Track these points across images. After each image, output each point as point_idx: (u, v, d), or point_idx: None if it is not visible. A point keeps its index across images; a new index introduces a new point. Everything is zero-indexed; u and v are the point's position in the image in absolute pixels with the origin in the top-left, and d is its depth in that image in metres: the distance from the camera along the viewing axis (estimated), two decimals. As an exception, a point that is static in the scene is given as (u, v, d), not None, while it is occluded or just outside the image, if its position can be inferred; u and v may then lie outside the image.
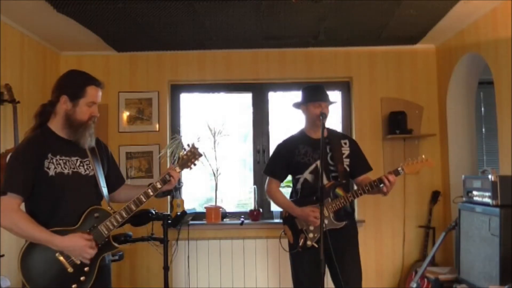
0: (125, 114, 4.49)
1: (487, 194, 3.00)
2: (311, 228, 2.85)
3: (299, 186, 2.97)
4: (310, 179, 2.93)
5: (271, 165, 3.10)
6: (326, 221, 2.80)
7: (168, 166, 4.32)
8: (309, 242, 2.84)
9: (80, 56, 4.47)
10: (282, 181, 3.11)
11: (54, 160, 2.07)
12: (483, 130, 5.27)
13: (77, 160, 2.14)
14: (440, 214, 4.37)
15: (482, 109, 5.28)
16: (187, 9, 3.39)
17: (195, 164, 2.31)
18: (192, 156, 2.30)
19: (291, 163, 2.98)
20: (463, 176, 3.43)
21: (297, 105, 3.05)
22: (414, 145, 4.41)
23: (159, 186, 2.22)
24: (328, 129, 3.01)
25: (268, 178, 3.09)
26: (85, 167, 2.16)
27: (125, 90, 4.49)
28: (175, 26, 3.76)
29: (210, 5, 3.31)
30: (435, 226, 4.32)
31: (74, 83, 2.13)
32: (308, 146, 2.95)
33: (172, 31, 3.88)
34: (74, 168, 2.12)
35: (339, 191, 2.88)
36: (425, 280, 3.66)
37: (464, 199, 3.36)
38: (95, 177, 2.17)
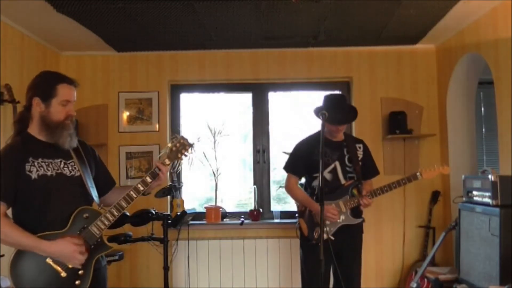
0: (125, 114, 4.49)
1: (487, 194, 3.00)
2: (327, 222, 2.98)
3: (315, 183, 3.11)
4: (328, 178, 3.06)
5: (291, 162, 3.24)
6: (343, 217, 3.01)
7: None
8: (325, 235, 2.89)
9: (80, 56, 4.47)
10: (301, 178, 3.27)
11: (36, 163, 2.00)
12: (483, 130, 5.27)
13: (60, 161, 2.07)
14: (440, 214, 4.36)
15: (482, 109, 5.28)
16: (187, 9, 3.39)
17: (185, 155, 2.23)
18: (182, 147, 2.21)
19: (310, 161, 3.07)
20: (463, 176, 3.43)
21: (316, 114, 3.08)
22: (414, 145, 4.41)
23: (149, 180, 2.13)
24: (344, 132, 3.20)
25: (288, 174, 3.24)
26: (70, 168, 2.09)
27: (125, 90, 4.49)
28: (175, 26, 3.76)
29: (210, 5, 3.31)
30: (435, 226, 4.32)
31: (44, 84, 2.06)
32: (326, 147, 3.06)
33: (172, 31, 3.88)
34: (58, 170, 2.05)
35: (354, 191, 3.04)
36: (425, 280, 3.65)
37: (464, 199, 3.36)
38: (81, 177, 2.09)
